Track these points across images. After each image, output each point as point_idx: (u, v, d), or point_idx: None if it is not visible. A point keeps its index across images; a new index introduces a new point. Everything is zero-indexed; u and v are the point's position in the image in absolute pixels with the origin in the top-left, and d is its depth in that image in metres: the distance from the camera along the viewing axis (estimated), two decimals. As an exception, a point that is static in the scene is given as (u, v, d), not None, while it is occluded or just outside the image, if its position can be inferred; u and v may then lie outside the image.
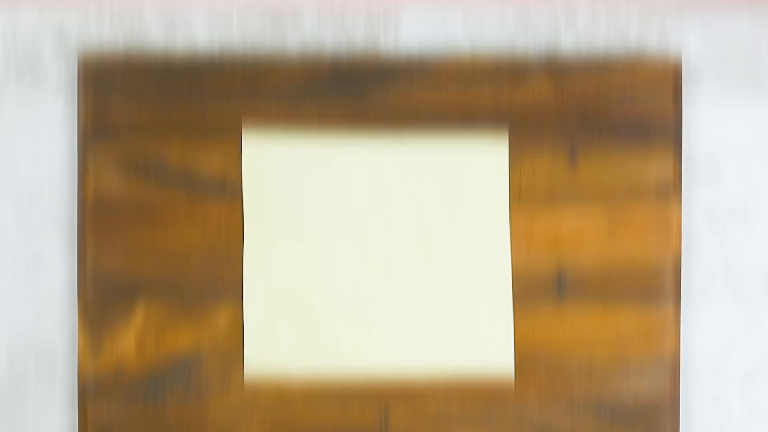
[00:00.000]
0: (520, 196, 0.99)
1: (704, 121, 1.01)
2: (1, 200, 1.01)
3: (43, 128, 1.01)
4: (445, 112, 0.99)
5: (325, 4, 1.00)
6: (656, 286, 0.99)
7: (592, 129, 0.99)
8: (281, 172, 0.99)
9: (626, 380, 0.99)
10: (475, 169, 0.99)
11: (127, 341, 0.99)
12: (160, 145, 0.99)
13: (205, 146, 0.99)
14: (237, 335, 0.99)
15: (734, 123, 1.02)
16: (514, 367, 0.99)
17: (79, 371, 0.99)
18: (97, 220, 0.99)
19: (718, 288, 1.02)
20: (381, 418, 0.99)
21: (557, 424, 0.99)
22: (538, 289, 0.99)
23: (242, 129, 0.99)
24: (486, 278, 0.99)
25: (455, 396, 0.99)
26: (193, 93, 0.99)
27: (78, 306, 0.99)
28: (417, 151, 0.99)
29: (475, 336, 0.99)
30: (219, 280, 0.99)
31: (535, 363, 0.99)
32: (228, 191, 0.99)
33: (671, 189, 0.99)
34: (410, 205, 0.99)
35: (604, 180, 0.99)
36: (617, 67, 0.99)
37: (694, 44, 1.01)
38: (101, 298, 0.99)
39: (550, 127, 0.99)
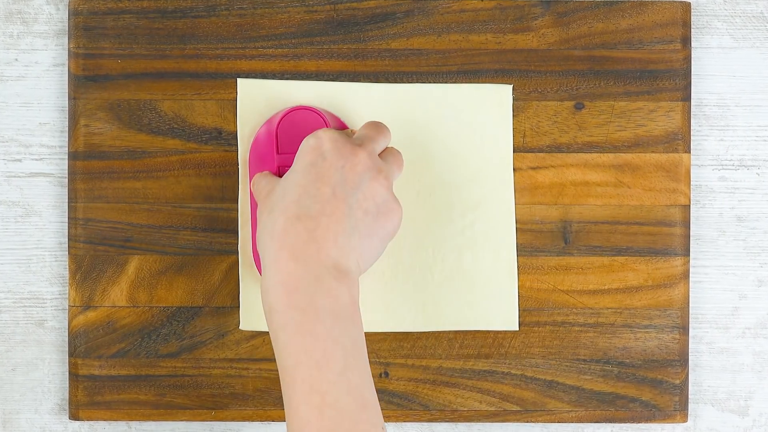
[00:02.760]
0: (524, 145, 0.98)
1: (714, 68, 1.00)
2: (-11, 149, 1.00)
3: (32, 74, 1.00)
4: (447, 59, 0.98)
5: (322, -54, 0.99)
6: (665, 238, 0.98)
7: (598, 76, 0.98)
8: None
9: (633, 335, 0.98)
10: (478, 116, 0.98)
11: (119, 294, 0.98)
12: (153, 93, 0.98)
13: (199, 93, 0.98)
14: (232, 288, 0.98)
15: (745, 69, 1.00)
16: (518, 321, 0.98)
17: (70, 325, 0.98)
18: (88, 169, 0.98)
19: (729, 240, 1.00)
20: (381, 374, 0.98)
21: (562, 380, 0.98)
22: (543, 240, 0.98)
23: (237, 75, 0.98)
24: (489, 229, 0.98)
25: (457, 351, 0.98)
26: (187, 39, 0.98)
27: (68, 258, 0.98)
28: (418, 99, 0.98)
29: (477, 290, 0.98)
30: (214, 231, 0.98)
31: (540, 317, 0.98)
32: (223, 140, 0.98)
33: (680, 138, 0.98)
34: (410, 153, 0.97)
35: (610, 128, 0.98)
36: (624, 12, 0.98)
37: (703, -12, 1.00)
38: (92, 250, 0.98)
39: (554, 74, 0.98)
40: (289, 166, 0.91)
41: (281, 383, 0.84)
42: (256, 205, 0.94)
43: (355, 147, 0.88)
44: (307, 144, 0.88)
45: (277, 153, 0.94)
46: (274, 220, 0.86)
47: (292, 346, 0.83)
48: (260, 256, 0.87)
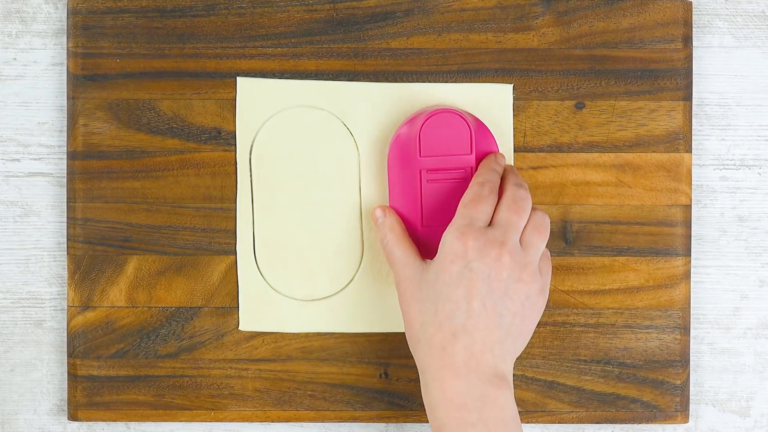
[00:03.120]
0: (524, 145, 0.97)
1: (715, 67, 1.00)
2: (-13, 149, 0.99)
3: (30, 74, 0.99)
4: (447, 58, 0.97)
5: (322, -55, 0.99)
6: (666, 238, 0.98)
7: (599, 75, 0.97)
8: (277, 119, 0.97)
9: (634, 335, 0.97)
10: (479, 116, 0.97)
11: (118, 294, 0.98)
12: (152, 92, 0.98)
13: (198, 92, 0.97)
14: (231, 288, 0.98)
15: (747, 69, 1.00)
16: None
17: (68, 325, 0.98)
18: (87, 169, 0.97)
19: (730, 240, 1.00)
20: (381, 374, 0.98)
21: (563, 380, 0.98)
22: (544, 240, 0.97)
23: (237, 74, 0.97)
24: (489, 229, 0.97)
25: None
26: (186, 38, 0.97)
27: (67, 258, 0.97)
28: (418, 98, 0.97)
29: (478, 289, 0.97)
30: (213, 231, 0.97)
31: (541, 317, 0.97)
32: (222, 139, 0.97)
33: (681, 137, 0.98)
34: (411, 153, 0.97)
35: (611, 128, 0.97)
36: (625, 11, 0.97)
37: (705, -13, 1.00)
38: (91, 250, 0.97)
39: (555, 73, 0.97)
40: (431, 171, 0.93)
41: None
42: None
43: (500, 251, 0.88)
44: (452, 249, 0.89)
45: (420, 156, 0.93)
46: (430, 335, 0.88)
47: None
48: (419, 366, 0.90)
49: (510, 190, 0.91)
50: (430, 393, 0.88)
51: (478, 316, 0.88)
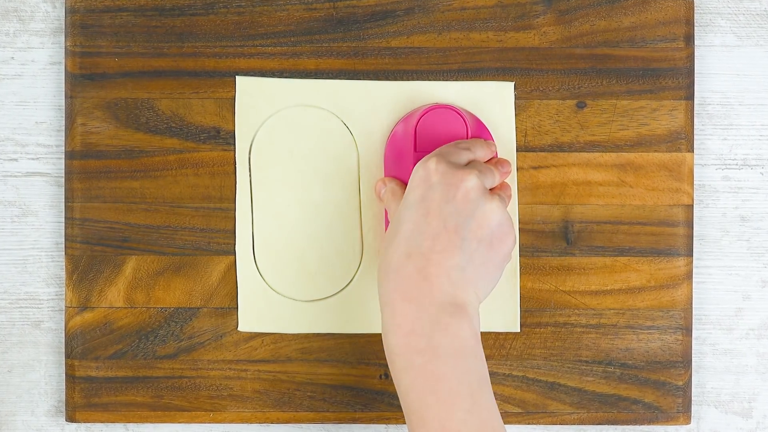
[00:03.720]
0: (526, 144, 0.97)
1: (718, 66, 0.99)
2: (-15, 148, 0.99)
3: (28, 73, 0.99)
4: (448, 57, 0.97)
5: (322, -57, 0.98)
6: (667, 238, 0.97)
7: (600, 74, 0.97)
8: (276, 118, 0.97)
9: (636, 336, 0.97)
10: (480, 115, 0.97)
11: (116, 295, 0.97)
12: (150, 91, 0.97)
13: (197, 92, 0.97)
14: (230, 288, 0.97)
15: (749, 68, 0.99)
16: (519, 322, 0.97)
17: (66, 326, 0.97)
18: (85, 169, 0.97)
19: (732, 240, 1.00)
20: (381, 375, 0.97)
21: (564, 381, 0.97)
22: (545, 241, 0.97)
23: (236, 73, 0.97)
24: (490, 229, 0.97)
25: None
26: (185, 37, 0.97)
27: (65, 258, 0.97)
28: (418, 97, 0.97)
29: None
30: (211, 231, 0.97)
31: (542, 318, 0.97)
32: (221, 139, 0.97)
33: (683, 137, 0.97)
34: (411, 152, 0.97)
35: (613, 127, 0.97)
36: (627, 10, 0.97)
37: (707, -14, 0.99)
38: (89, 250, 0.97)
39: (556, 72, 0.97)
40: None
41: (407, 423, 0.84)
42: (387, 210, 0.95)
43: (465, 173, 0.86)
44: (417, 176, 0.87)
45: (415, 151, 0.93)
46: (388, 258, 0.85)
47: (417, 388, 0.83)
48: (379, 293, 0.86)
49: (497, 158, 0.92)
50: (383, 319, 0.85)
51: (437, 236, 0.84)
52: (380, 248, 0.88)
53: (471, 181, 0.86)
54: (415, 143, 0.93)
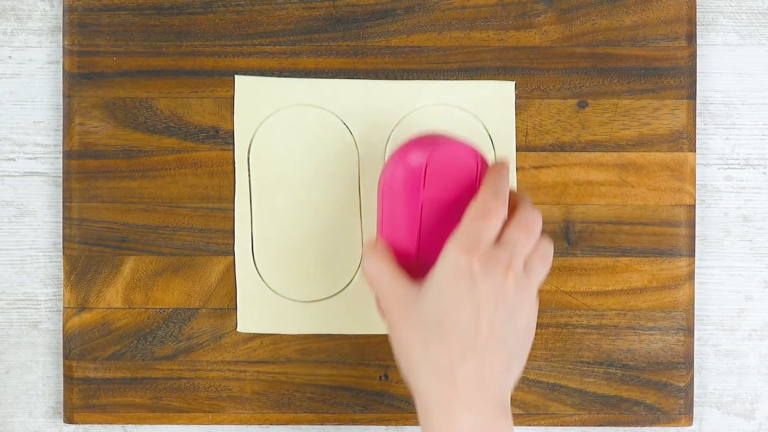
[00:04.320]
0: (526, 144, 0.97)
1: (720, 65, 0.99)
2: (-18, 148, 0.99)
3: (26, 72, 0.99)
4: (448, 56, 0.97)
5: (321, -59, 0.98)
6: (669, 238, 0.97)
7: (601, 73, 0.97)
8: (275, 118, 0.97)
9: (638, 337, 0.97)
10: (480, 115, 0.96)
11: (115, 295, 0.97)
12: (149, 90, 0.97)
13: (196, 91, 0.97)
14: (229, 289, 0.97)
15: (751, 67, 0.99)
16: (520, 323, 0.97)
17: (64, 326, 0.97)
18: (83, 168, 0.97)
19: (735, 240, 0.99)
20: (380, 376, 0.97)
21: (565, 383, 0.97)
22: (546, 241, 0.97)
23: (235, 73, 0.97)
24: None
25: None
26: (184, 36, 0.97)
27: (63, 259, 0.97)
28: (418, 97, 0.97)
29: (479, 290, 0.97)
30: (210, 231, 0.97)
31: (542, 319, 0.97)
32: (220, 138, 0.97)
33: (685, 136, 0.97)
34: (411, 152, 0.96)
35: (614, 127, 0.97)
36: (628, 8, 0.97)
37: (709, -16, 0.99)
38: (87, 251, 0.97)
39: (557, 72, 0.97)
40: (434, 201, 0.86)
41: None
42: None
43: (506, 272, 0.83)
44: (457, 264, 0.82)
45: (424, 188, 0.87)
46: (435, 357, 0.82)
47: None
48: (417, 392, 0.84)
49: (524, 210, 0.85)
50: (434, 424, 0.82)
51: (487, 338, 0.82)
52: (411, 342, 0.84)
53: (510, 279, 0.83)
54: (425, 181, 0.87)
